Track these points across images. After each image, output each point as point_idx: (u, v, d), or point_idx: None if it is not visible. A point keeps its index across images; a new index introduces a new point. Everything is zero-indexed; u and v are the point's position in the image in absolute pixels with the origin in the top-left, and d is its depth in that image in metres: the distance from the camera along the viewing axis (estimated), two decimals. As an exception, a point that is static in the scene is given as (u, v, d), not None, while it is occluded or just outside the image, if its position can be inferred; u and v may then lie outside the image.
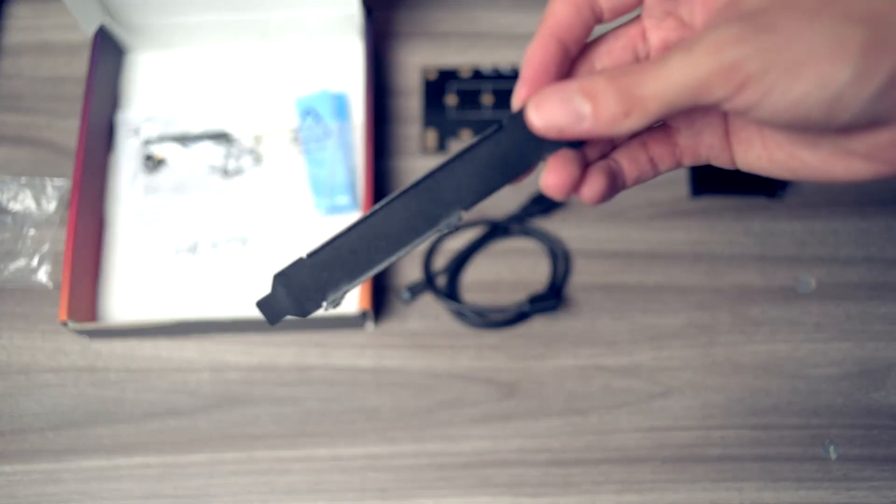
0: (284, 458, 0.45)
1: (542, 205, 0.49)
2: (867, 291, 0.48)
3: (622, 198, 0.50)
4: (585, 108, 0.23)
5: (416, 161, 0.52)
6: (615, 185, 0.27)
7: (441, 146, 0.52)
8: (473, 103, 0.53)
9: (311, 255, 0.27)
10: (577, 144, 0.26)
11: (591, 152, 0.27)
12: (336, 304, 0.27)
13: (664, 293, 0.49)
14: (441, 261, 0.49)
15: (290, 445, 0.45)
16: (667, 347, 0.47)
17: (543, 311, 0.48)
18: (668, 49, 0.27)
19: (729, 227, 0.50)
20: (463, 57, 0.54)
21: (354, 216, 0.49)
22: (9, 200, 0.50)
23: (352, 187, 0.50)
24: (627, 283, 0.49)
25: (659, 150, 0.28)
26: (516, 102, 0.26)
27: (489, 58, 0.54)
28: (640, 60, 0.28)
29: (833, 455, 0.45)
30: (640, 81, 0.23)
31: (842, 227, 0.50)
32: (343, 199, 0.49)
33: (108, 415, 0.46)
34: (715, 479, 0.45)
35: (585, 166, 0.26)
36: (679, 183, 0.51)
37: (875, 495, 0.44)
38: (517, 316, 0.48)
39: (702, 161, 0.28)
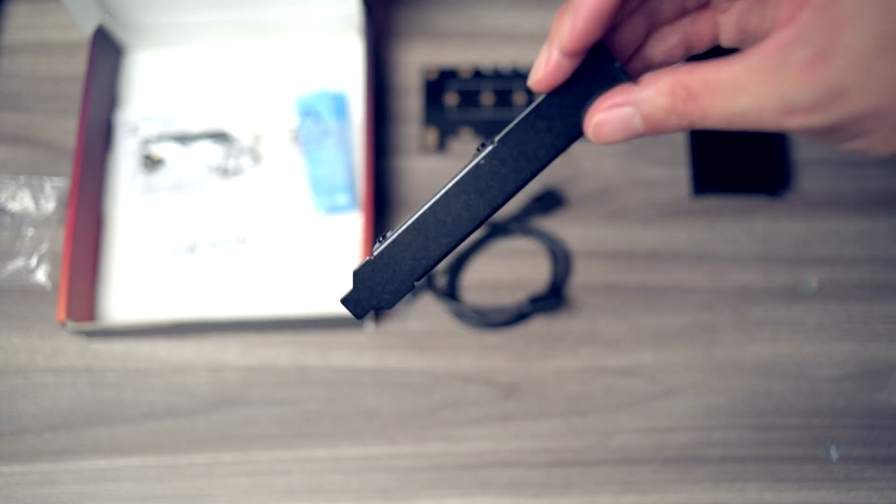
0: (283, 458, 0.45)
1: (543, 204, 0.49)
2: (869, 292, 0.48)
3: (623, 197, 0.50)
4: (640, 126, 0.24)
5: (416, 160, 0.51)
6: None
7: (441, 145, 0.52)
8: (473, 103, 0.52)
9: (379, 251, 0.28)
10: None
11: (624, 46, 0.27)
12: (414, 292, 0.29)
13: (665, 293, 0.48)
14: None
15: (289, 446, 0.45)
16: (668, 348, 0.47)
17: (544, 312, 0.47)
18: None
19: (730, 227, 0.50)
20: (463, 56, 0.54)
21: (354, 216, 0.49)
22: (7, 200, 0.50)
23: (351, 187, 0.50)
24: (628, 283, 0.49)
25: (700, 30, 0.27)
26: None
27: (489, 57, 0.54)
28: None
29: (834, 456, 0.45)
30: (705, 111, 0.23)
31: (844, 226, 0.50)
32: (342, 199, 0.49)
33: (106, 415, 0.46)
34: (716, 479, 0.45)
35: None
36: (680, 182, 0.51)
37: (877, 496, 0.44)
38: (517, 316, 0.48)
39: (737, 44, 0.28)
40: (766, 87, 0.22)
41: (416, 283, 0.28)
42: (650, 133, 0.24)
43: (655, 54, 0.27)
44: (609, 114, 0.24)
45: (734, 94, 0.22)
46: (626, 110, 0.24)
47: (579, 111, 0.26)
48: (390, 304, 0.29)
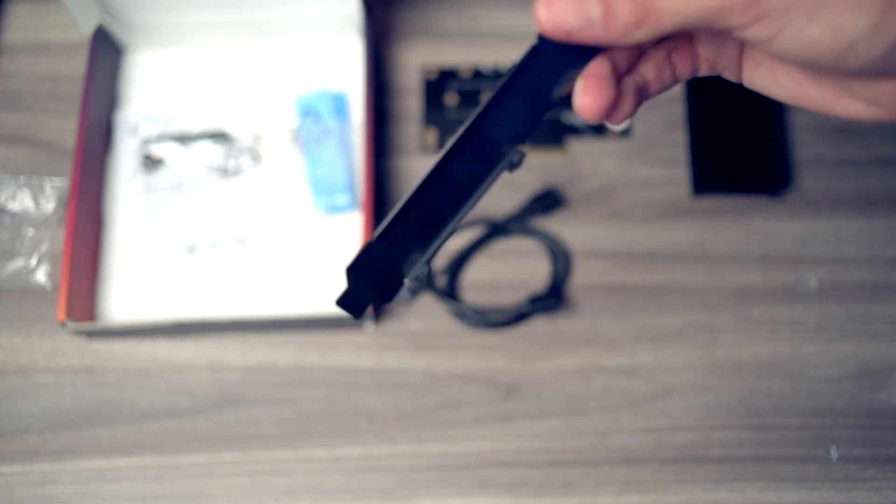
0: (283, 458, 0.45)
1: (543, 204, 0.49)
2: (869, 291, 0.48)
3: (623, 197, 0.50)
4: (596, 12, 0.23)
5: (416, 160, 0.51)
6: (641, 101, 0.27)
7: (441, 146, 0.52)
8: (473, 103, 0.52)
9: (380, 236, 0.25)
10: (594, 52, 0.25)
11: (620, 63, 0.26)
12: (421, 280, 0.26)
13: (665, 293, 0.48)
14: (441, 261, 0.49)
15: (289, 446, 0.45)
16: (668, 348, 0.47)
17: (544, 312, 0.47)
18: None
19: (730, 227, 0.50)
20: (463, 56, 0.54)
21: (354, 216, 0.49)
22: (7, 200, 0.50)
23: (351, 187, 0.50)
24: (628, 283, 0.49)
25: (681, 61, 0.27)
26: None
27: (489, 57, 0.54)
28: None
29: (834, 456, 0.45)
30: None
31: (844, 226, 0.50)
32: (342, 199, 0.49)
33: (106, 415, 0.46)
34: (716, 479, 0.45)
35: (618, 83, 0.26)
36: (680, 182, 0.51)
37: (877, 496, 0.44)
38: (517, 316, 0.48)
39: (717, 72, 0.28)
40: None
41: (426, 263, 0.26)
42: (604, 31, 0.23)
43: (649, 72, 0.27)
44: None
45: None
46: None
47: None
48: (392, 295, 0.26)
